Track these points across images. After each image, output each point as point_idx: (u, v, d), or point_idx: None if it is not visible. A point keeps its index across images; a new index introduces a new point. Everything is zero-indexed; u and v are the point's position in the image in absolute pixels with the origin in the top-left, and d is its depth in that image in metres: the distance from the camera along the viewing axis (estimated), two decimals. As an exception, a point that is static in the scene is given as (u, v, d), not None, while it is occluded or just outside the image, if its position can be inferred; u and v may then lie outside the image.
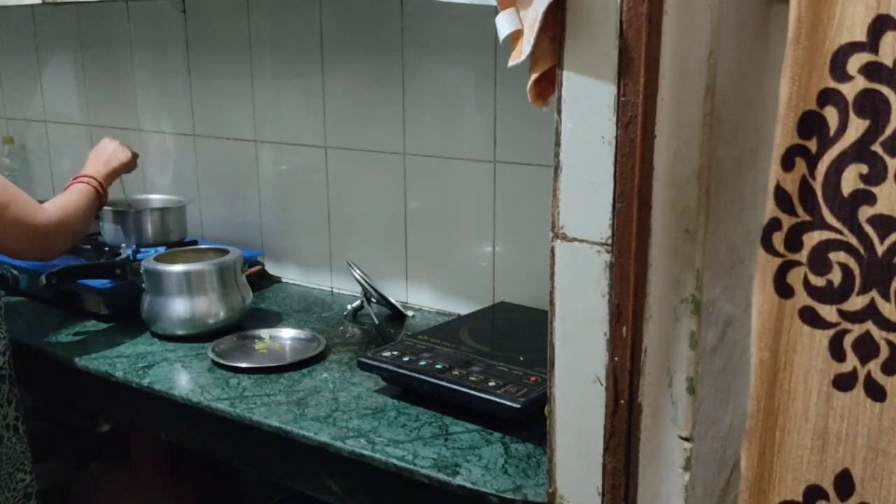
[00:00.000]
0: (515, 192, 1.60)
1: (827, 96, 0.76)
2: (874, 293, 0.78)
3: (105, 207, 1.91)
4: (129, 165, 1.74)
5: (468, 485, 1.06)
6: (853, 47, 0.74)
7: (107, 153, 1.72)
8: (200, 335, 1.57)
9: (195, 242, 1.95)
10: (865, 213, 0.77)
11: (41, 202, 1.47)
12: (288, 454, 1.27)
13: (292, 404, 1.29)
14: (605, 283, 0.88)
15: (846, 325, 0.80)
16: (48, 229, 1.43)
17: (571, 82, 0.86)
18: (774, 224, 0.81)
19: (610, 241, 0.87)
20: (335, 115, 1.83)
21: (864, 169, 0.76)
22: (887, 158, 0.75)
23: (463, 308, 1.69)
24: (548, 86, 0.90)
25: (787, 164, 0.79)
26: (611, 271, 0.88)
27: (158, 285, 1.59)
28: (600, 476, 0.93)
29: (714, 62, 0.82)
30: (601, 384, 0.91)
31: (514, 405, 1.16)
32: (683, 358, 0.89)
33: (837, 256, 0.79)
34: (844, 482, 0.82)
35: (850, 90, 0.75)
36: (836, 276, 0.79)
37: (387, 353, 1.34)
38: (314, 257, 1.94)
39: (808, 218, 0.79)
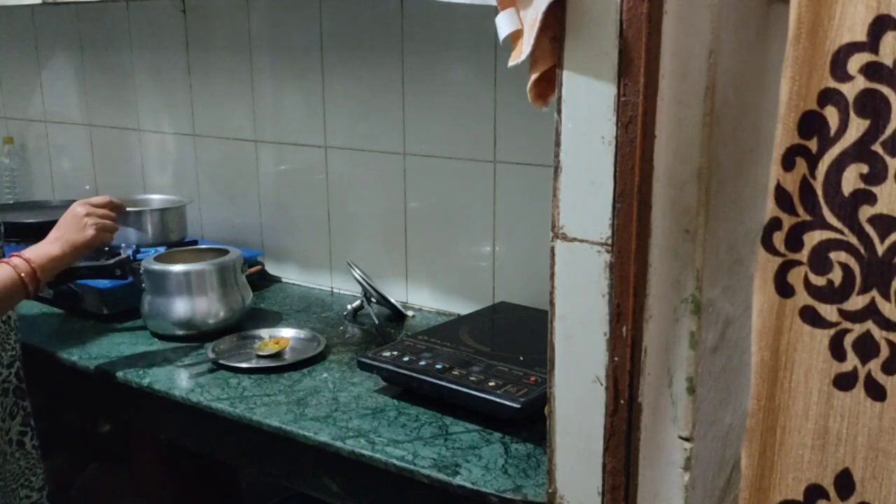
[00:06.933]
0: (515, 192, 1.60)
1: (827, 96, 0.76)
2: (874, 293, 0.78)
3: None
4: (92, 243, 1.36)
5: (468, 485, 1.06)
6: (853, 47, 0.74)
7: (63, 227, 1.36)
8: (200, 335, 1.57)
9: (195, 242, 1.95)
10: (866, 212, 0.77)
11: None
12: (288, 454, 1.27)
13: (292, 404, 1.29)
14: (605, 283, 0.88)
15: (846, 324, 0.80)
16: None
17: (571, 82, 0.86)
18: (775, 224, 0.81)
19: (610, 241, 0.87)
20: (335, 115, 1.83)
21: (865, 169, 0.76)
22: (887, 158, 0.75)
23: (463, 308, 1.69)
24: (548, 86, 0.90)
25: (788, 163, 0.79)
26: (611, 271, 0.88)
27: (158, 285, 1.59)
28: (600, 476, 0.93)
29: (714, 62, 0.82)
30: (601, 384, 0.91)
31: (514, 405, 1.16)
32: (683, 358, 0.89)
33: (838, 256, 0.79)
34: (845, 481, 0.82)
35: (850, 90, 0.75)
36: (836, 276, 0.79)
37: (387, 353, 1.34)
38: (314, 257, 1.94)
39: (808, 217, 0.79)
